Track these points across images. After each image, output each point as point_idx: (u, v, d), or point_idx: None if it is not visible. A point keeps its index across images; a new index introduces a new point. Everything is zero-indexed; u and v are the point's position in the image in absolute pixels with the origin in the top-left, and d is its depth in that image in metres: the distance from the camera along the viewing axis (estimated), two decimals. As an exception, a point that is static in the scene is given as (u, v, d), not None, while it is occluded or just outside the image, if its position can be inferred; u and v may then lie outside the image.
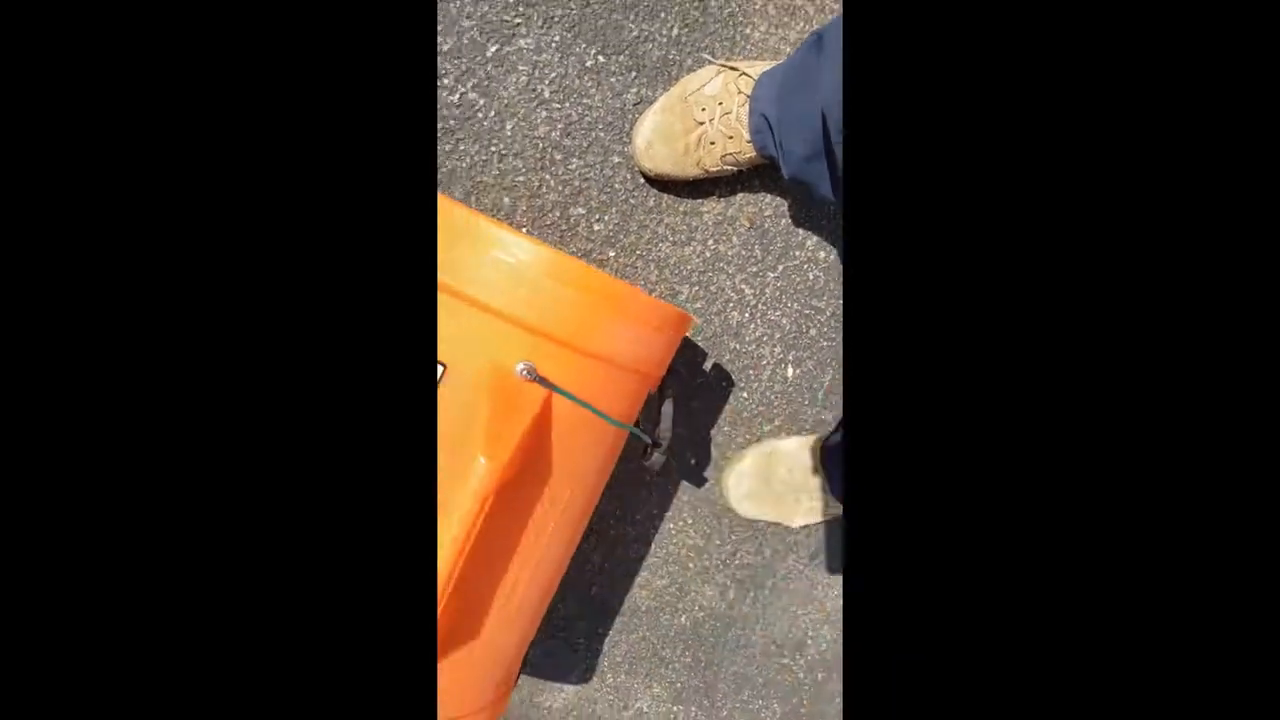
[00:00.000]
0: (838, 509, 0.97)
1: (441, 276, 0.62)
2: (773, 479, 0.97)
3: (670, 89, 0.87)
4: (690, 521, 1.02)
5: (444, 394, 0.61)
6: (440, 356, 0.61)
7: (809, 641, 1.10)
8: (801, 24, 0.92)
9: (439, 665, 0.65)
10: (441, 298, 0.62)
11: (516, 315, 0.62)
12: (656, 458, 0.79)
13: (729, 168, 0.86)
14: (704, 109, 0.83)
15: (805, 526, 1.01)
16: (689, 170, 0.86)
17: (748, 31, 0.90)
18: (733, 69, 0.83)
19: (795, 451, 0.98)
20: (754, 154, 0.83)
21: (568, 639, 1.02)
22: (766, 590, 1.07)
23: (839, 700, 1.14)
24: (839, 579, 1.09)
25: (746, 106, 0.81)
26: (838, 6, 0.92)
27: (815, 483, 0.97)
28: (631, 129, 0.88)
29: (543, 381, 0.62)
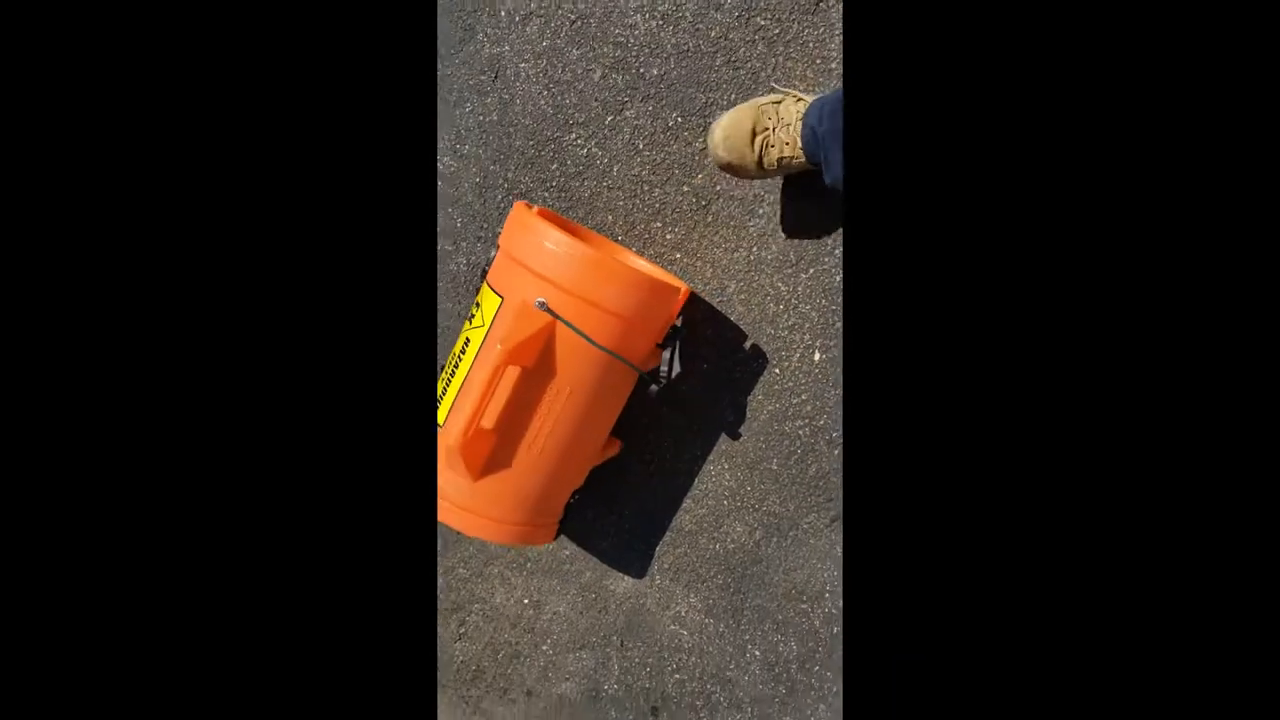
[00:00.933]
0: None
1: (511, 251, 1.07)
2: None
3: (745, 101, 1.19)
4: (727, 468, 1.30)
5: (502, 314, 1.05)
6: (503, 293, 1.06)
7: (827, 595, 1.27)
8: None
9: (481, 480, 1.08)
10: (508, 264, 1.07)
11: (546, 274, 1.04)
12: (653, 388, 1.13)
13: (783, 169, 1.12)
14: (769, 119, 1.10)
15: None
16: (750, 163, 1.11)
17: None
18: (795, 95, 1.13)
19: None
20: (803, 160, 1.08)
21: (628, 542, 1.37)
22: (789, 540, 1.28)
23: None
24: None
25: (801, 121, 1.08)
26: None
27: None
28: (708, 128, 1.16)
29: (548, 310, 1.03)
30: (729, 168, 1.13)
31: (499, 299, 1.07)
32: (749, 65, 1.22)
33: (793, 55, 1.19)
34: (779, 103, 1.11)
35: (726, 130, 1.11)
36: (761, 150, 1.10)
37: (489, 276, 1.12)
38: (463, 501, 1.10)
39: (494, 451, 1.08)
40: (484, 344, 1.06)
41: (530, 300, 1.03)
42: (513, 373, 1.02)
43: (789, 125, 1.08)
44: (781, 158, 1.09)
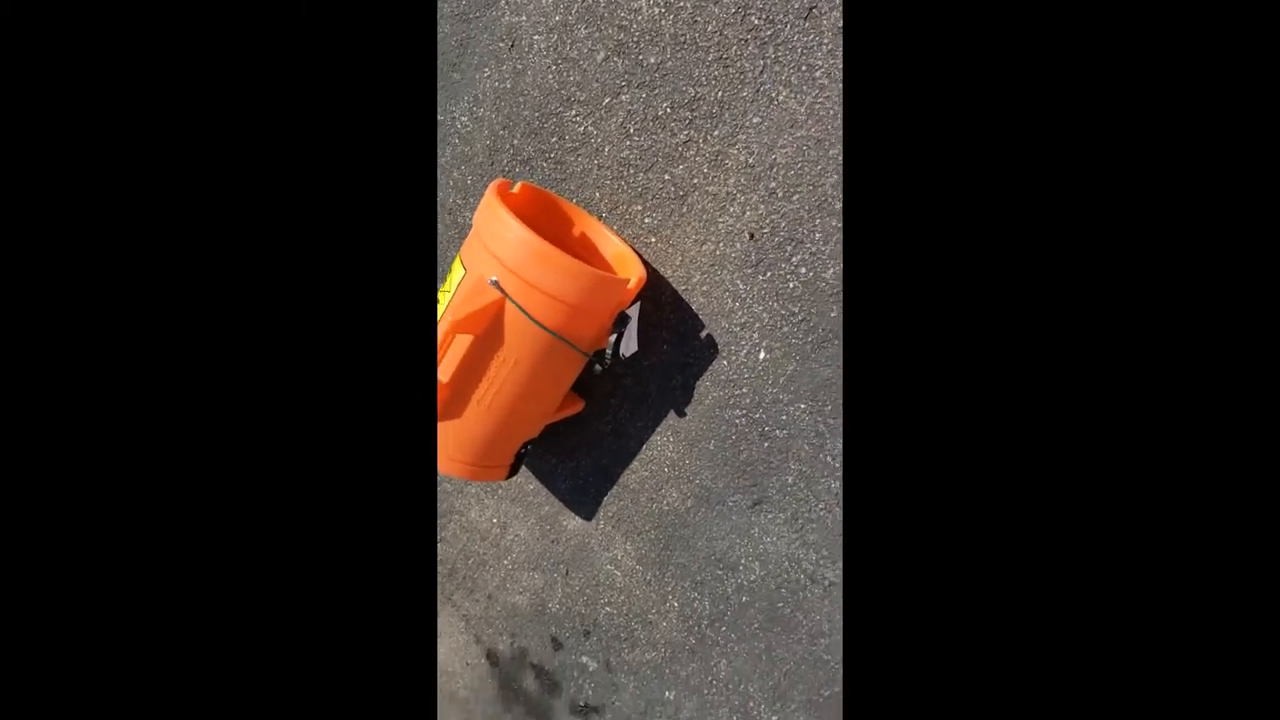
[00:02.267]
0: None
1: (478, 228, 1.20)
2: None
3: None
4: (671, 440, 1.42)
5: (463, 284, 1.19)
6: (467, 265, 1.20)
7: (741, 567, 1.40)
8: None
9: (442, 425, 1.26)
10: (474, 239, 1.20)
11: (501, 256, 1.16)
12: (597, 368, 1.25)
13: None
14: None
15: None
16: None
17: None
18: None
19: None
20: None
21: (583, 489, 1.53)
22: (714, 512, 1.40)
23: (756, 625, 1.42)
24: (776, 528, 1.36)
25: None
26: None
27: None
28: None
29: (499, 288, 1.16)
30: None
31: (464, 270, 1.20)
32: (738, 64, 1.24)
33: (781, 59, 1.21)
34: None
35: None
36: None
37: (462, 248, 1.25)
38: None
39: (449, 401, 1.25)
40: (447, 308, 1.21)
41: (486, 277, 1.16)
42: (464, 339, 1.17)
43: None
44: None
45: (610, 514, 1.51)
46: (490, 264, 1.17)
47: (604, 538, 1.53)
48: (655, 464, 1.44)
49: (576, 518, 1.55)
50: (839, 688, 1.35)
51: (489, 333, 1.19)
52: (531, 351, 1.21)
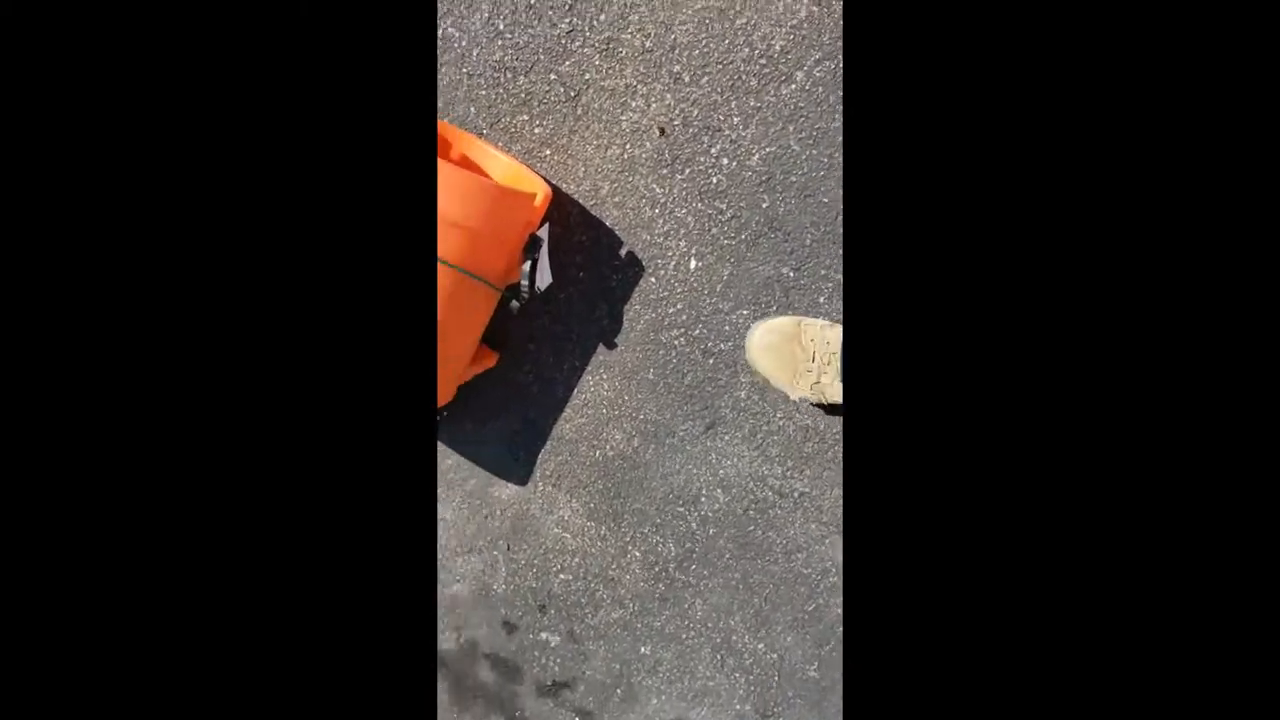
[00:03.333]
0: (836, 397, 1.11)
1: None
2: (796, 342, 1.11)
3: (786, 316, 1.13)
4: (605, 378, 1.27)
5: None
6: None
7: (703, 498, 1.30)
8: None
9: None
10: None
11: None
12: (514, 304, 1.07)
13: (816, 399, 1.12)
14: (815, 346, 1.10)
15: (800, 399, 1.15)
16: (785, 384, 1.13)
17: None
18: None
19: (825, 332, 1.11)
20: (839, 400, 1.10)
21: (510, 450, 1.35)
22: (665, 447, 1.28)
23: (728, 556, 1.32)
24: (734, 449, 1.26)
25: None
26: None
27: (831, 367, 1.11)
28: (746, 334, 1.16)
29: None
30: (761, 376, 1.16)
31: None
32: (617, -70, 1.07)
33: (665, -81, 1.05)
34: (823, 329, 1.10)
35: (762, 349, 1.13)
36: (798, 376, 1.12)
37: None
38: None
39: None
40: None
41: (363, 212, 0.95)
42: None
43: (833, 357, 1.08)
44: (815, 385, 1.11)
45: (548, 473, 1.35)
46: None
47: (545, 500, 1.37)
48: (591, 407, 1.29)
49: (509, 485, 1.38)
50: (822, 600, 1.29)
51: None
52: (437, 296, 1.01)
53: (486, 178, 1.03)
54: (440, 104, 1.20)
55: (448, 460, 1.40)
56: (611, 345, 1.25)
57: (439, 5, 1.15)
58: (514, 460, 1.36)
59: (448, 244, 0.97)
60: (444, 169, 0.94)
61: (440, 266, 0.98)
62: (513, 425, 1.34)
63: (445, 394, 1.18)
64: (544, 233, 1.11)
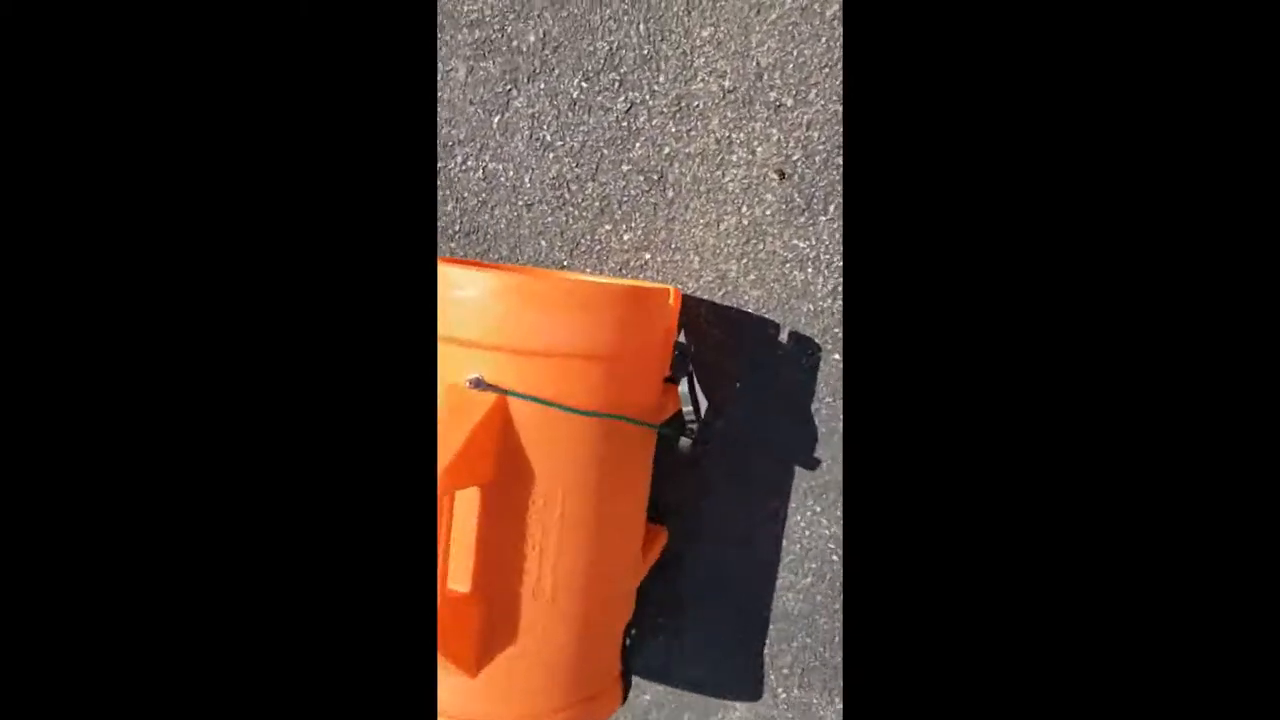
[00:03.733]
0: None
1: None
2: None
3: None
4: (820, 510, 0.92)
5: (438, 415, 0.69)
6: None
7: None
8: None
9: (484, 672, 0.70)
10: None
11: (471, 338, 0.68)
12: (685, 443, 0.76)
13: None
14: None
15: None
16: None
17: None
18: None
19: None
20: None
21: (724, 650, 0.97)
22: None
23: None
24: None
25: None
26: None
27: None
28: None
29: (492, 388, 0.67)
30: None
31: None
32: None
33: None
34: None
35: None
36: None
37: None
38: (467, 709, 0.71)
39: (487, 623, 0.70)
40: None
41: (461, 380, 0.67)
42: (470, 499, 0.65)
43: None
44: None
45: (784, 669, 0.96)
46: (460, 357, 0.68)
47: (795, 710, 0.96)
48: (815, 558, 0.93)
49: (737, 705, 0.98)
50: None
51: (502, 468, 0.68)
52: (584, 461, 0.71)
53: (607, 283, 0.77)
54: (505, 252, 0.98)
55: (644, 698, 1.01)
56: (813, 465, 0.91)
57: (472, 144, 0.96)
58: (733, 663, 0.98)
59: (583, 386, 0.68)
60: (555, 283, 0.68)
61: (578, 421, 0.68)
62: (708, 621, 0.97)
63: (627, 608, 0.83)
64: (683, 338, 0.82)
